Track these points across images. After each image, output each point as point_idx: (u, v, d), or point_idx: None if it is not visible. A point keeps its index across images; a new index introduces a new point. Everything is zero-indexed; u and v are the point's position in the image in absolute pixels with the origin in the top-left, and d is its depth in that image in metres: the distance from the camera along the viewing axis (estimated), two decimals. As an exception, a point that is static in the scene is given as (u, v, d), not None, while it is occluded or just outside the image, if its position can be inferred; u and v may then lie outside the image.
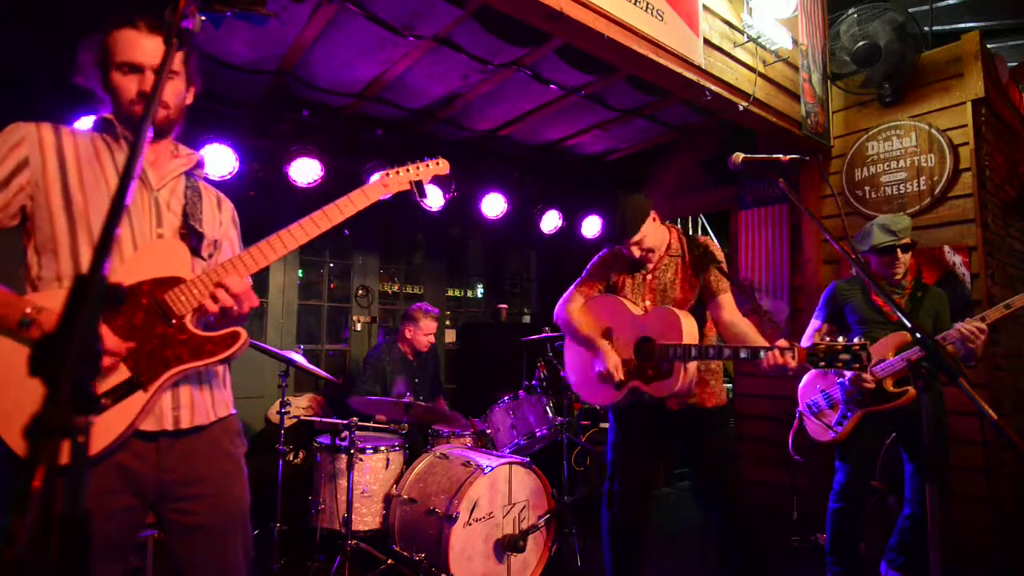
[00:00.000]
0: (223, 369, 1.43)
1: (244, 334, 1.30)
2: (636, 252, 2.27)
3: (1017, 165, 4.08)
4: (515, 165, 4.73)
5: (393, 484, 3.01)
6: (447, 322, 5.43)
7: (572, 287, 2.44)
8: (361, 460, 2.97)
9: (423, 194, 1.59)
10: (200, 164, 1.46)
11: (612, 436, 2.39)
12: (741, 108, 3.22)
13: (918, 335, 1.24)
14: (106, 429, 1.14)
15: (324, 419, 3.08)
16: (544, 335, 3.51)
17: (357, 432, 2.86)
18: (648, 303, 2.30)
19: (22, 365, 1.06)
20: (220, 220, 1.47)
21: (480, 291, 5.91)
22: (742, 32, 3.28)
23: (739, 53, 3.26)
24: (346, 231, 4.59)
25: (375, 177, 1.57)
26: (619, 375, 2.21)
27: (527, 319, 6.01)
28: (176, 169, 1.38)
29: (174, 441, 1.27)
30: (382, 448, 3.06)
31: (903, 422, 2.56)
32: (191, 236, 1.34)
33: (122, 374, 1.17)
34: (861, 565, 2.63)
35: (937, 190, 3.47)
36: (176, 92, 1.32)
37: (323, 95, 3.62)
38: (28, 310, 1.11)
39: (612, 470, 2.36)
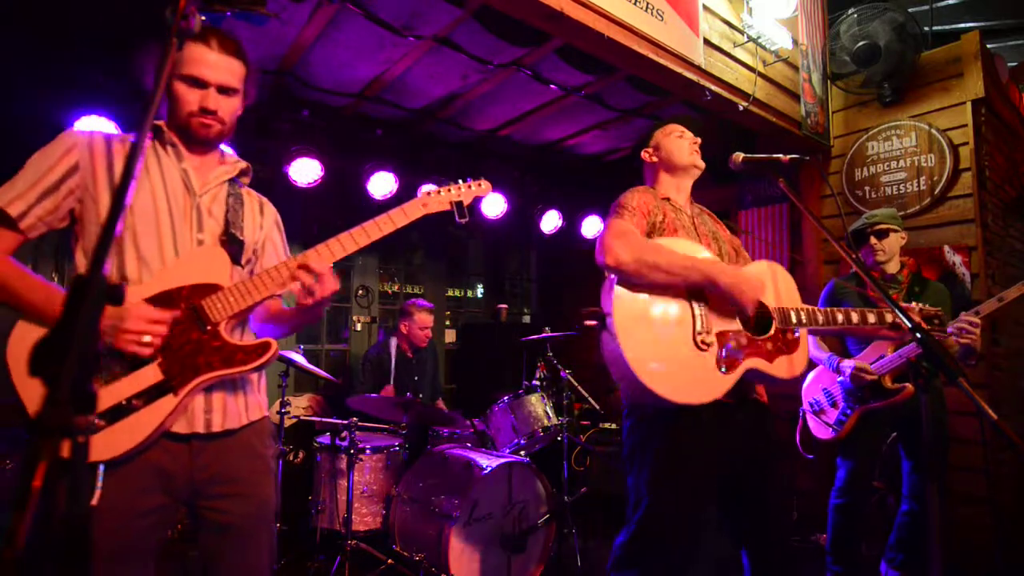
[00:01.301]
0: (258, 374, 1.45)
1: (275, 345, 1.33)
2: (688, 149, 1.86)
3: (1017, 165, 4.08)
4: (515, 165, 4.73)
5: (393, 484, 3.01)
6: (447, 322, 5.43)
7: (616, 219, 1.70)
8: (361, 460, 2.97)
9: (463, 215, 1.55)
10: (246, 172, 1.48)
11: (649, 457, 1.64)
12: (741, 108, 3.22)
13: (917, 333, 1.24)
14: (136, 429, 1.17)
15: (324, 419, 3.08)
16: (544, 335, 3.51)
17: (357, 432, 2.86)
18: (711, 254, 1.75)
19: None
20: (262, 224, 1.49)
21: (480, 291, 5.91)
22: (742, 32, 3.28)
23: (739, 53, 3.26)
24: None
25: (421, 192, 1.57)
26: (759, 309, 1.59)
27: (527, 319, 6.01)
28: (220, 176, 1.40)
29: (207, 443, 1.29)
30: (382, 448, 3.06)
31: (903, 420, 2.57)
32: (231, 243, 1.37)
33: (154, 376, 1.20)
34: (861, 565, 2.63)
35: (937, 190, 3.47)
36: (232, 110, 1.36)
37: (323, 95, 3.62)
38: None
39: (651, 513, 1.61)
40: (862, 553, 2.62)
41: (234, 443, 1.33)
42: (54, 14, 2.71)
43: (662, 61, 2.78)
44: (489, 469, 2.66)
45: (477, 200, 1.72)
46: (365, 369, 3.71)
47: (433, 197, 1.55)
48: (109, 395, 1.16)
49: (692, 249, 1.69)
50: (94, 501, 1.10)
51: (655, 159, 1.95)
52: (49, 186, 1.21)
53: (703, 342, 1.61)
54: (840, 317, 1.77)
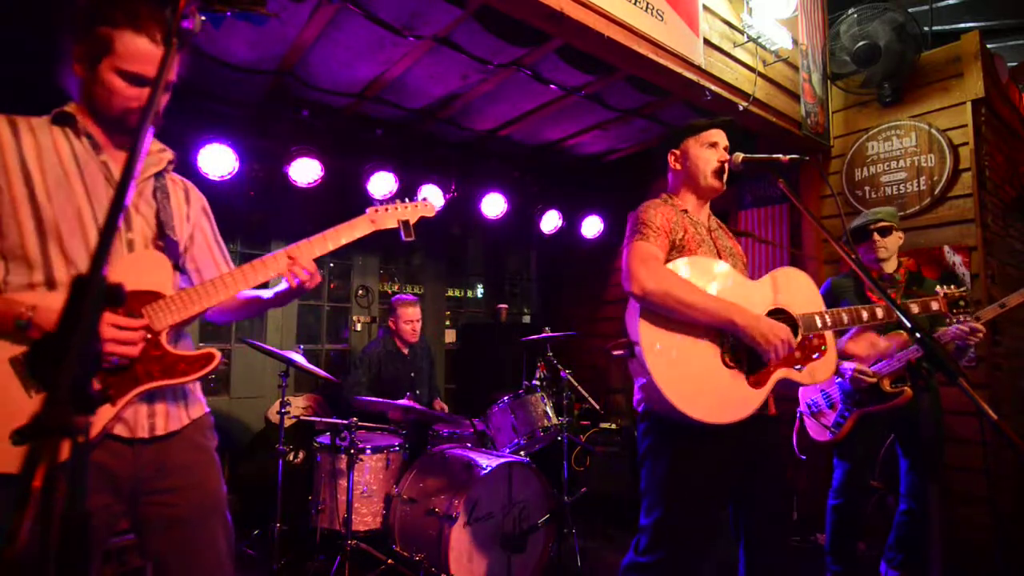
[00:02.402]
0: None
1: (217, 356, 1.29)
2: (714, 166, 1.80)
3: (1017, 165, 4.08)
4: (515, 165, 4.73)
5: (393, 484, 3.01)
6: (447, 322, 5.43)
7: (640, 241, 1.67)
8: (361, 460, 2.97)
9: (409, 233, 1.59)
10: (172, 161, 1.41)
11: (662, 469, 1.65)
12: (741, 108, 3.23)
13: (917, 334, 1.23)
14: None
15: (324, 419, 3.08)
16: (544, 335, 3.51)
17: (357, 432, 2.86)
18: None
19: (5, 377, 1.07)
20: (188, 215, 1.42)
21: (480, 291, 5.91)
22: (742, 32, 3.28)
23: (739, 53, 3.26)
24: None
25: (368, 209, 1.58)
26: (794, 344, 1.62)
27: (527, 319, 6.01)
28: (147, 170, 1.33)
29: (148, 444, 1.27)
30: (382, 448, 3.06)
31: (900, 419, 2.57)
32: (169, 248, 1.31)
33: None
34: (860, 564, 2.63)
35: (937, 190, 3.47)
36: (165, 102, 1.29)
37: (323, 95, 3.62)
38: (23, 310, 1.09)
39: (659, 528, 1.62)
40: (860, 552, 2.62)
41: (176, 440, 1.32)
42: (49, 7, 2.70)
43: (662, 61, 2.78)
44: (489, 469, 2.66)
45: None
46: (360, 364, 3.72)
47: (380, 214, 1.57)
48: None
49: (714, 272, 1.70)
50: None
51: (679, 167, 1.90)
52: None
53: (732, 361, 1.63)
54: (865, 314, 1.77)
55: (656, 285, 1.57)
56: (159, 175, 1.37)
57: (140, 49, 1.18)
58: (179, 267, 1.35)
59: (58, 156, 1.21)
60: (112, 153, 1.28)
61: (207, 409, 1.45)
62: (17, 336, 1.11)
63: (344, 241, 1.48)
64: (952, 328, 2.40)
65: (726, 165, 1.83)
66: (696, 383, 1.58)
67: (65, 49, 1.22)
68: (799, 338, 1.70)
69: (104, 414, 1.16)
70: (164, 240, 1.31)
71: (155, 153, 1.36)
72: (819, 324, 1.72)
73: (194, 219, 1.45)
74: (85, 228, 1.19)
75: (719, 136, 1.86)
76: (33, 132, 1.20)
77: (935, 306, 2.06)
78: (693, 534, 1.61)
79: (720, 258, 1.77)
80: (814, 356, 1.73)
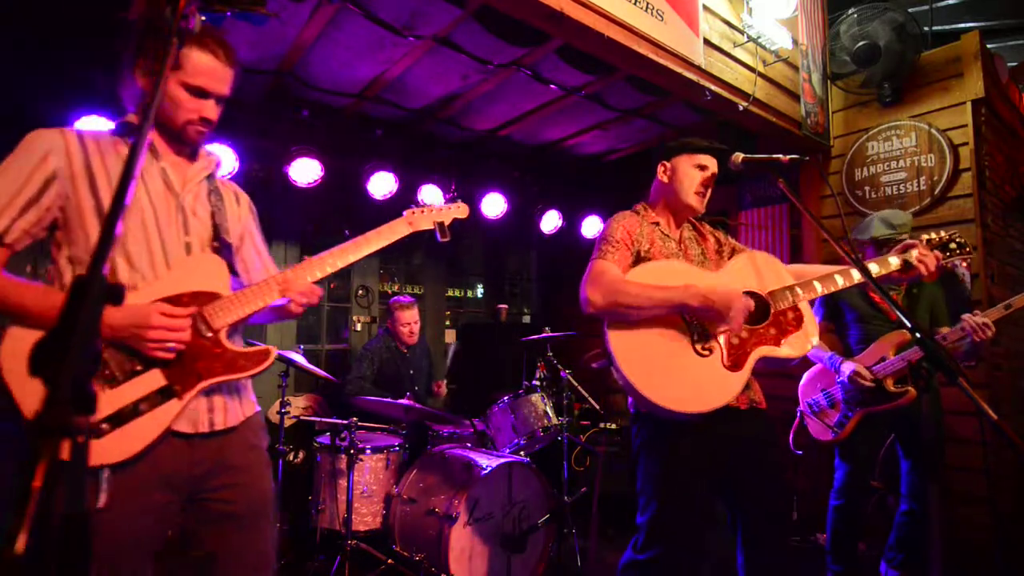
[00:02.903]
0: None
1: (273, 352, 1.36)
2: (696, 188, 1.82)
3: (1017, 165, 4.08)
4: (515, 165, 4.73)
5: (393, 484, 3.01)
6: (447, 322, 5.43)
7: (596, 260, 1.74)
8: (361, 460, 2.97)
9: (445, 234, 1.67)
10: (219, 164, 1.49)
11: (653, 466, 1.68)
12: (741, 108, 3.22)
13: (918, 335, 1.24)
14: (142, 433, 1.19)
15: (324, 419, 3.08)
16: (544, 335, 3.51)
17: (357, 432, 2.86)
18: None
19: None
20: (240, 216, 1.51)
21: (480, 291, 5.90)
22: (742, 32, 3.28)
23: (739, 53, 3.26)
24: (347, 231, 4.59)
25: (426, 198, 1.64)
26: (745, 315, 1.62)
27: (527, 319, 6.01)
28: (199, 174, 1.40)
29: (207, 440, 1.32)
30: (382, 448, 3.06)
31: (901, 420, 2.57)
32: (224, 250, 1.39)
33: (158, 381, 1.22)
34: (861, 564, 2.63)
35: (937, 190, 3.47)
36: (219, 114, 1.37)
37: (323, 95, 3.62)
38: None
39: (653, 525, 1.64)
40: (860, 553, 2.63)
41: (233, 438, 1.36)
42: (52, 11, 2.70)
43: (662, 61, 2.78)
44: (489, 469, 2.66)
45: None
46: (361, 361, 3.72)
47: (417, 216, 1.64)
48: (113, 400, 1.17)
49: (670, 271, 1.72)
50: (101, 504, 1.11)
51: (665, 179, 1.91)
52: (31, 197, 1.19)
53: (704, 348, 1.65)
54: (841, 280, 1.79)
55: (603, 298, 1.63)
56: (210, 178, 1.44)
57: (205, 65, 1.28)
58: (233, 269, 1.41)
59: (122, 163, 1.25)
60: (170, 159, 1.36)
61: (258, 408, 1.50)
62: None
63: (384, 243, 1.54)
64: (963, 322, 2.37)
65: (708, 191, 1.86)
66: (672, 377, 1.61)
67: (127, 62, 1.29)
68: (772, 315, 1.72)
69: (171, 408, 1.23)
70: (219, 242, 1.38)
71: (203, 158, 1.43)
72: (790, 298, 1.74)
73: (244, 221, 1.53)
74: (147, 232, 1.27)
75: (710, 162, 1.89)
76: (98, 143, 1.27)
77: (915, 254, 1.88)
78: (687, 529, 1.63)
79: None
80: (792, 328, 1.74)
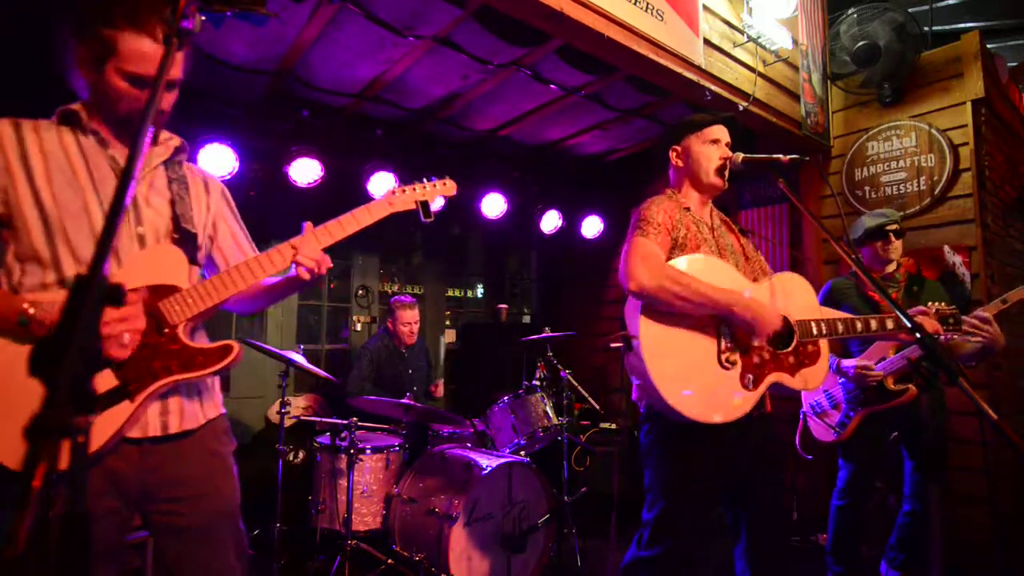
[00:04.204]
0: None
1: (236, 347, 1.26)
2: (716, 164, 1.79)
3: (1017, 165, 4.08)
4: (515, 165, 4.73)
5: (393, 484, 3.01)
6: (447, 322, 5.43)
7: (639, 237, 1.67)
8: (361, 460, 2.97)
9: (428, 214, 1.55)
10: (182, 148, 1.37)
11: (663, 465, 1.68)
12: (741, 108, 3.22)
13: (918, 334, 1.24)
14: (91, 437, 1.10)
15: (324, 419, 3.08)
16: (544, 335, 3.51)
17: (357, 432, 2.86)
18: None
19: (14, 373, 1.07)
20: (209, 205, 1.41)
21: (480, 291, 5.90)
22: (742, 32, 3.28)
23: (739, 53, 3.26)
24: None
25: (382, 194, 1.55)
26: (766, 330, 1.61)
27: (527, 319, 6.01)
28: (152, 160, 1.30)
29: (158, 444, 1.24)
30: (382, 448, 3.06)
31: (905, 420, 2.57)
32: (185, 241, 1.29)
33: (109, 382, 1.14)
34: (862, 565, 2.63)
35: (937, 190, 3.47)
36: (173, 100, 1.28)
37: (323, 95, 3.62)
38: (25, 306, 1.09)
39: (660, 522, 1.65)
40: (863, 553, 2.62)
41: (188, 443, 1.28)
42: (39, 6, 2.69)
43: (662, 61, 2.78)
44: (489, 469, 2.66)
45: (442, 199, 1.73)
46: (361, 360, 3.72)
47: (398, 196, 1.53)
48: None
49: (715, 270, 1.68)
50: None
51: (680, 163, 1.88)
52: None
53: (728, 360, 1.65)
54: (859, 325, 1.78)
55: (653, 281, 1.57)
56: (170, 164, 1.35)
57: (143, 50, 1.16)
58: (195, 260, 1.32)
59: (64, 153, 1.20)
60: (119, 149, 1.27)
61: (223, 410, 1.42)
62: (20, 333, 1.10)
63: (361, 225, 1.45)
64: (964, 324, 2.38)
65: (728, 163, 1.82)
66: (690, 381, 1.59)
67: (69, 51, 1.21)
68: (794, 343, 1.70)
69: (123, 411, 1.14)
70: (180, 232, 1.29)
71: (162, 143, 1.34)
72: (815, 331, 1.72)
73: (215, 209, 1.43)
74: (93, 223, 1.18)
75: (721, 133, 1.86)
76: (38, 132, 1.20)
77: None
78: (693, 529, 1.62)
79: (721, 257, 1.76)
80: (808, 363, 1.74)
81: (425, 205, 1.56)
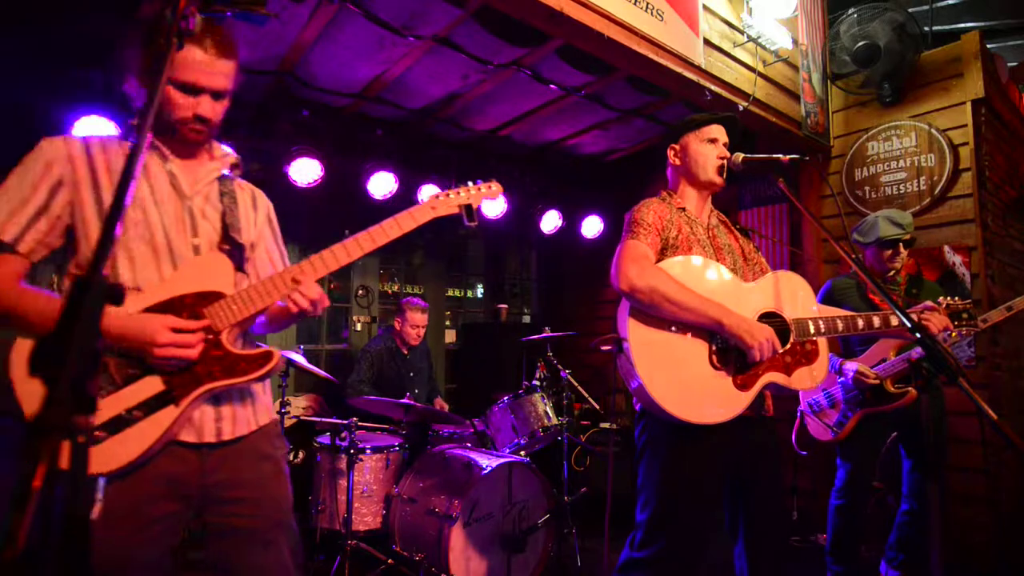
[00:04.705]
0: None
1: (277, 355, 1.29)
2: (713, 162, 1.79)
3: (1017, 165, 4.08)
4: (515, 165, 4.73)
5: (393, 484, 3.01)
6: (447, 322, 5.43)
7: (631, 240, 1.69)
8: (361, 460, 2.97)
9: (472, 218, 1.51)
10: (237, 165, 1.44)
11: (656, 465, 1.67)
12: (741, 108, 3.22)
13: (919, 335, 1.24)
14: (136, 441, 1.15)
15: (324, 419, 3.08)
16: (544, 335, 3.51)
17: (357, 432, 2.86)
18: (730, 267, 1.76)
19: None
20: (255, 221, 1.46)
21: (480, 291, 5.90)
22: (742, 32, 3.28)
23: (739, 53, 3.26)
24: (347, 231, 4.58)
25: (426, 197, 1.51)
26: (778, 347, 1.60)
27: (527, 319, 6.01)
28: (209, 175, 1.37)
29: (215, 450, 1.28)
30: (382, 448, 3.06)
31: (904, 420, 2.57)
32: (233, 250, 1.33)
33: (155, 387, 1.18)
34: (861, 565, 2.63)
35: (937, 190, 3.47)
36: (222, 111, 1.32)
37: (323, 95, 3.62)
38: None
39: (653, 523, 1.64)
40: (862, 553, 2.62)
41: (243, 448, 1.32)
42: (52, 13, 2.71)
43: (662, 61, 2.78)
44: (489, 469, 2.66)
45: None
46: (361, 362, 3.72)
47: (442, 200, 1.50)
48: (109, 406, 1.13)
49: (701, 269, 1.67)
50: (94, 515, 1.05)
51: (678, 162, 1.89)
52: (40, 206, 1.17)
53: (720, 361, 1.63)
54: (860, 323, 1.76)
55: (644, 282, 1.58)
56: (223, 179, 1.40)
57: (192, 58, 1.21)
58: (242, 268, 1.36)
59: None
60: (177, 163, 1.32)
61: (275, 415, 1.46)
62: None
63: (405, 230, 1.43)
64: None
65: (726, 162, 1.82)
66: (681, 382, 1.59)
67: (132, 62, 1.26)
68: (791, 343, 1.68)
69: (168, 415, 1.18)
70: (229, 243, 1.34)
71: (218, 158, 1.40)
72: (812, 330, 1.70)
73: (260, 226, 1.47)
74: (153, 236, 1.24)
75: (719, 132, 1.86)
76: (104, 148, 1.25)
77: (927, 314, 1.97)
78: (686, 530, 1.62)
79: (717, 257, 1.75)
80: (804, 362, 1.72)
81: (468, 209, 1.53)
